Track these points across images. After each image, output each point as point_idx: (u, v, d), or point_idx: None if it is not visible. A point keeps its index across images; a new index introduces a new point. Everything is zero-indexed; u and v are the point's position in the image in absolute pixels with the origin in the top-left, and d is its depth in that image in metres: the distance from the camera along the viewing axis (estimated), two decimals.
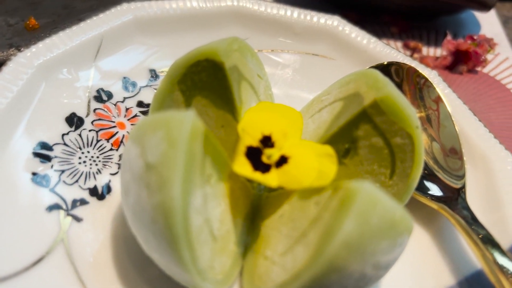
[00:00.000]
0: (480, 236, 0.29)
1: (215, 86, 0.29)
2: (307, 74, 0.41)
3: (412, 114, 0.28)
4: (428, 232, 0.32)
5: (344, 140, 0.30)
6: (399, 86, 0.36)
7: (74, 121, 0.33)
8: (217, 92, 0.29)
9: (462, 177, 0.32)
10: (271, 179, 0.27)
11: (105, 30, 0.36)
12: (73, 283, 0.26)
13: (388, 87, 0.27)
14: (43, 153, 0.31)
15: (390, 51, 0.39)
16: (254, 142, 0.28)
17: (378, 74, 0.29)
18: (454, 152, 0.33)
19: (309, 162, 0.28)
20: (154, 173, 0.22)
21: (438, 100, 0.35)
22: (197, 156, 0.24)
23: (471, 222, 0.30)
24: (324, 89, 0.34)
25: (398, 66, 0.37)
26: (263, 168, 0.28)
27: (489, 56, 0.52)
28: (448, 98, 0.37)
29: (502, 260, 0.27)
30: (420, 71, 0.37)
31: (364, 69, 0.31)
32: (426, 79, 0.36)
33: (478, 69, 0.50)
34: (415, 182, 0.29)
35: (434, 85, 0.36)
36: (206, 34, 0.40)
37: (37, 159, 0.30)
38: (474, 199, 0.33)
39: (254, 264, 0.28)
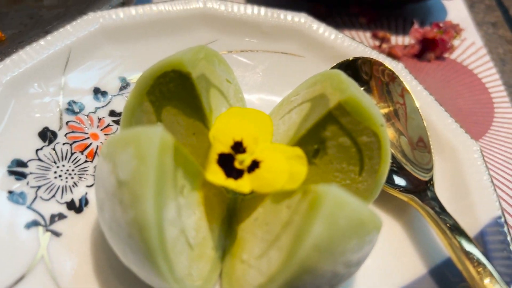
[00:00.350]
0: (447, 225, 0.30)
1: (183, 95, 0.29)
2: (277, 73, 0.41)
3: (376, 113, 0.29)
4: (399, 223, 0.34)
5: (312, 141, 0.31)
6: (366, 82, 0.37)
7: (47, 135, 0.33)
8: (186, 101, 0.29)
9: (430, 169, 0.33)
10: (244, 185, 0.28)
11: (72, 41, 0.36)
12: None
13: (351, 89, 0.28)
14: (18, 170, 0.31)
15: (357, 45, 0.40)
16: (226, 148, 0.29)
17: (342, 75, 0.29)
18: (422, 145, 0.34)
19: (280, 165, 0.29)
20: (126, 190, 0.23)
21: (404, 93, 0.36)
22: (168, 169, 0.24)
23: (439, 212, 0.31)
24: (293, 89, 0.35)
25: (365, 60, 0.38)
26: (236, 174, 0.28)
27: (456, 42, 0.53)
28: (415, 90, 0.38)
29: (468, 247, 0.29)
30: (387, 64, 0.38)
31: (329, 69, 0.32)
32: (393, 73, 0.37)
33: (446, 55, 0.52)
34: (383, 177, 0.30)
35: (401, 78, 0.37)
36: (174, 38, 0.40)
37: (12, 177, 0.31)
38: (442, 189, 0.34)
39: (232, 267, 0.28)
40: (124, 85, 0.38)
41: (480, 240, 0.30)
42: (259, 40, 0.42)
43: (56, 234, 0.30)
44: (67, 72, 0.36)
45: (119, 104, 0.37)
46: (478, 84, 0.49)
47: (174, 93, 0.29)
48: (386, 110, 0.37)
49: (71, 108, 0.35)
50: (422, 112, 0.36)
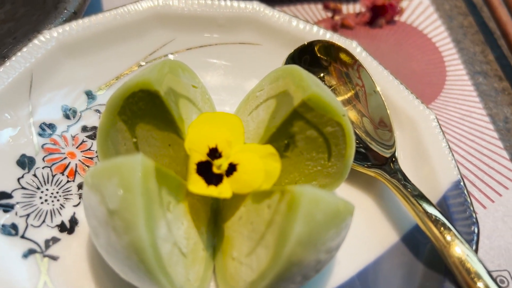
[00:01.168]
0: (412, 195, 0.33)
1: (154, 112, 0.30)
2: (238, 64, 0.42)
3: (337, 105, 0.31)
4: (370, 197, 0.36)
5: (282, 137, 0.32)
6: (325, 67, 0.39)
7: (25, 162, 0.34)
8: (158, 116, 0.31)
9: (392, 145, 0.36)
10: (225, 191, 0.30)
11: (32, 64, 0.36)
12: None
13: (312, 87, 0.30)
14: (4, 203, 0.32)
15: (311, 28, 0.41)
16: (203, 157, 0.30)
17: (302, 72, 0.31)
18: (383, 124, 0.37)
19: (256, 166, 0.31)
20: (118, 218, 0.25)
21: (361, 74, 0.38)
22: (153, 192, 0.26)
23: (404, 183, 0.34)
24: (257, 84, 0.36)
25: (321, 43, 0.40)
26: (216, 179, 0.30)
27: (404, 3, 0.55)
28: (371, 66, 0.40)
29: (431, 211, 0.32)
30: (342, 44, 0.40)
31: (288, 65, 0.33)
32: (348, 53, 0.39)
33: (396, 19, 0.54)
34: (350, 159, 0.32)
35: (357, 56, 0.39)
36: (132, 43, 0.41)
37: (0, 210, 0.32)
38: (405, 160, 0.37)
39: (224, 264, 0.31)
40: (91, 98, 0.39)
41: (443, 204, 0.34)
42: (217, 33, 0.42)
43: (54, 258, 0.31)
44: (33, 95, 0.36)
45: (90, 118, 0.38)
46: (429, 44, 0.51)
47: (145, 110, 0.30)
48: (347, 94, 0.39)
49: (44, 131, 0.36)
50: (379, 87, 0.38)
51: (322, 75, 0.39)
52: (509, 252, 0.37)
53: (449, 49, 0.51)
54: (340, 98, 0.39)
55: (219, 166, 0.31)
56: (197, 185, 0.29)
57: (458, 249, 0.30)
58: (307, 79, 0.31)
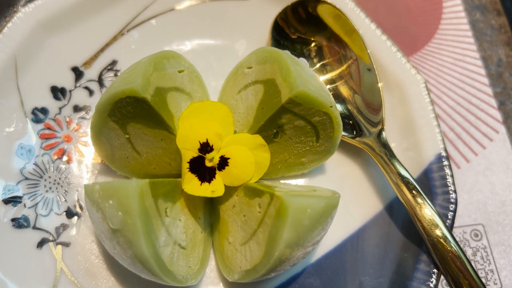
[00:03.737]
0: (394, 168, 0.34)
1: (143, 114, 0.31)
2: (225, 23, 0.41)
3: (323, 99, 0.31)
4: (356, 165, 0.38)
5: (271, 127, 0.33)
6: (316, 33, 0.38)
7: (25, 153, 0.35)
8: (147, 117, 0.31)
9: (380, 122, 0.36)
10: (218, 189, 0.31)
11: (14, 48, 0.35)
12: None
13: (299, 86, 0.30)
14: (12, 196, 0.34)
15: None
16: (194, 153, 0.31)
17: (290, 64, 0.31)
18: (374, 101, 0.37)
19: (246, 158, 0.32)
20: (120, 236, 0.27)
21: (354, 40, 0.37)
22: (150, 208, 0.28)
23: (388, 157, 0.35)
24: (245, 57, 0.36)
25: (311, 2, 0.38)
26: (209, 174, 0.32)
27: None
28: (363, 24, 0.39)
29: (410, 185, 0.34)
30: (334, 3, 0.38)
31: (276, 51, 0.32)
32: (341, 16, 0.38)
33: None
34: (338, 140, 0.34)
35: (348, 15, 0.38)
36: (113, 9, 0.39)
37: (9, 205, 0.34)
38: (393, 127, 0.38)
39: (221, 244, 0.34)
40: (79, 75, 0.38)
41: (426, 177, 0.35)
42: None
43: (66, 244, 0.34)
44: (20, 80, 0.36)
45: (80, 96, 0.38)
46: None
47: (134, 113, 0.31)
48: (339, 69, 0.38)
49: (37, 116, 0.36)
50: (371, 48, 0.38)
51: (313, 45, 0.38)
52: (486, 206, 0.40)
53: None
54: (332, 74, 0.39)
55: (211, 159, 0.32)
56: (191, 184, 0.31)
57: (433, 220, 0.32)
58: (294, 73, 0.30)
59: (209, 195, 0.31)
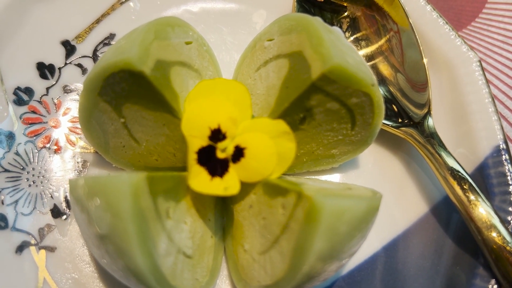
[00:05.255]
0: (444, 162, 0.28)
1: (141, 92, 0.25)
2: None
3: (364, 75, 0.25)
4: (397, 160, 0.32)
5: (297, 111, 0.27)
6: (354, 6, 0.32)
7: (3, 139, 0.30)
8: (146, 97, 0.25)
9: (426, 104, 0.30)
10: (232, 185, 0.26)
11: None
12: None
13: (334, 58, 0.24)
14: None
15: None
16: (203, 141, 0.26)
17: (321, 30, 0.25)
18: (419, 80, 0.31)
19: (267, 148, 0.26)
20: (110, 243, 0.22)
21: (395, 10, 0.31)
22: (147, 210, 0.22)
23: (437, 148, 0.29)
24: (265, 28, 0.30)
25: None
26: (221, 167, 0.26)
27: None
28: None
29: (464, 183, 0.28)
30: None
31: (304, 16, 0.26)
32: None
33: None
34: (377, 128, 0.28)
35: None
36: None
37: None
38: (441, 113, 0.32)
39: (235, 251, 0.28)
40: (70, 50, 0.33)
41: (481, 174, 0.29)
42: None
43: (51, 249, 0.29)
44: (1, 55, 0.31)
45: (71, 75, 0.32)
46: None
47: (130, 91, 0.25)
48: (378, 43, 0.32)
49: (19, 97, 0.31)
50: (414, 19, 0.32)
51: (346, 14, 0.32)
52: None
53: None
54: (370, 49, 0.33)
55: (223, 149, 0.26)
56: (199, 179, 0.25)
57: (494, 234, 0.26)
58: (328, 43, 0.24)
59: (221, 193, 0.25)
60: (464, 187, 0.28)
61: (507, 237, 0.27)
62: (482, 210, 0.27)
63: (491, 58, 0.38)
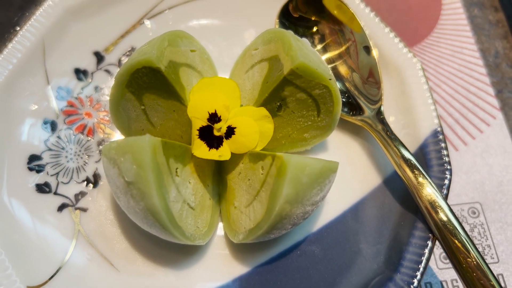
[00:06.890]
0: (391, 142, 0.36)
1: (158, 84, 0.34)
2: (235, 13, 0.44)
3: (323, 71, 0.33)
4: (356, 143, 0.40)
5: (275, 100, 0.36)
6: (318, 21, 0.41)
7: (49, 126, 0.39)
8: (161, 88, 0.34)
9: (379, 100, 0.39)
10: (225, 153, 0.34)
11: (42, 32, 0.39)
12: (101, 262, 0.35)
13: (300, 58, 0.33)
14: (36, 164, 0.37)
15: None
16: (204, 122, 0.34)
17: (292, 40, 0.34)
18: (373, 80, 0.39)
19: (252, 129, 0.35)
20: (134, 188, 0.30)
21: (354, 26, 0.40)
22: (162, 165, 0.30)
23: (386, 132, 0.37)
24: (252, 41, 0.39)
25: None
26: (217, 142, 0.34)
27: None
28: (363, 14, 0.41)
29: (407, 156, 0.36)
30: None
31: (280, 30, 0.35)
32: (342, 5, 0.41)
33: None
34: (338, 114, 0.36)
35: (348, 6, 0.41)
36: (129, 2, 0.42)
37: (34, 172, 0.37)
38: (391, 106, 0.40)
39: (228, 210, 0.36)
40: (100, 58, 0.42)
41: (422, 151, 0.37)
42: None
43: (84, 210, 0.37)
44: (47, 61, 0.39)
45: (100, 78, 0.41)
46: None
47: (149, 84, 0.34)
48: (338, 50, 0.41)
49: (61, 94, 0.40)
50: (370, 34, 0.40)
51: (315, 29, 0.41)
52: (483, 186, 0.42)
53: None
54: (331, 54, 0.41)
55: (219, 129, 0.35)
56: (200, 149, 0.34)
57: (429, 190, 0.34)
58: (295, 48, 0.33)
59: (216, 158, 0.34)
60: (410, 164, 0.36)
61: (438, 200, 0.34)
62: (422, 180, 0.35)
63: (440, 68, 0.47)
